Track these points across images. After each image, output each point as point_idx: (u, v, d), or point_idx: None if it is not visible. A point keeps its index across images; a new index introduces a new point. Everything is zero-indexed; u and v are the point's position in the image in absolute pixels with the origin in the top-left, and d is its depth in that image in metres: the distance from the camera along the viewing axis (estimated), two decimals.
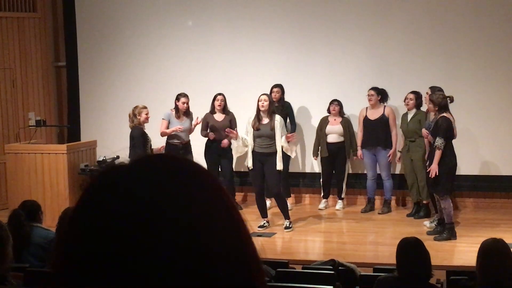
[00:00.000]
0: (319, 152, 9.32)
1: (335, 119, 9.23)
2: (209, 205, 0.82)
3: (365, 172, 9.30)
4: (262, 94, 8.23)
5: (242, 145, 8.16)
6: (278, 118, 8.06)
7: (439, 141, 7.45)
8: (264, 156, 8.04)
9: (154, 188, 0.80)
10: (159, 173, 0.82)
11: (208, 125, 9.21)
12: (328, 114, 9.29)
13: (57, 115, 11.12)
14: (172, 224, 0.77)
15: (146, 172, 0.82)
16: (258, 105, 8.08)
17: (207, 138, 9.27)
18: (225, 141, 9.14)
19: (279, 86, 9.33)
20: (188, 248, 0.77)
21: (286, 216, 8.30)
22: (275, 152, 8.01)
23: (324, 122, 9.26)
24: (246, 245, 0.83)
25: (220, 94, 9.26)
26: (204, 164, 9.36)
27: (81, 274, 0.77)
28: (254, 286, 0.82)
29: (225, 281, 0.79)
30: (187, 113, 9.15)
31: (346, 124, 9.21)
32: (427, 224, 8.26)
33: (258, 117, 8.07)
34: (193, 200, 0.80)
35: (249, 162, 8.09)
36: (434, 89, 8.02)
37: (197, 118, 9.15)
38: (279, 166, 8.01)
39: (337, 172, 9.33)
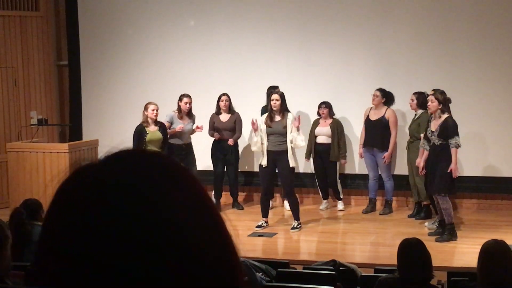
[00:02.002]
0: (311, 154, 9.36)
1: (325, 121, 9.28)
2: (191, 202, 0.81)
3: (367, 172, 9.29)
4: (273, 93, 8.24)
5: (261, 142, 8.15)
6: (290, 115, 8.09)
7: (457, 140, 7.47)
8: (276, 154, 8.04)
9: (128, 184, 0.78)
10: (134, 168, 0.81)
11: (214, 125, 9.28)
12: (319, 117, 9.36)
13: (59, 114, 11.13)
14: (155, 221, 0.76)
15: (120, 168, 0.81)
16: (270, 104, 8.11)
17: (213, 139, 9.32)
18: (230, 140, 9.20)
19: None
20: (175, 247, 0.76)
21: (296, 217, 8.31)
22: (287, 150, 8.02)
23: (315, 124, 9.32)
24: (228, 244, 0.82)
25: (224, 94, 9.30)
26: (209, 163, 9.39)
27: (59, 272, 0.76)
28: (237, 286, 0.82)
29: (212, 281, 0.78)
30: (190, 114, 9.15)
31: (335, 126, 9.24)
32: (427, 225, 8.25)
33: (270, 115, 8.10)
34: (176, 198, 0.79)
35: (264, 161, 8.10)
36: (436, 92, 8.00)
37: (198, 126, 9.11)
38: (292, 163, 8.02)
39: (329, 173, 9.34)
